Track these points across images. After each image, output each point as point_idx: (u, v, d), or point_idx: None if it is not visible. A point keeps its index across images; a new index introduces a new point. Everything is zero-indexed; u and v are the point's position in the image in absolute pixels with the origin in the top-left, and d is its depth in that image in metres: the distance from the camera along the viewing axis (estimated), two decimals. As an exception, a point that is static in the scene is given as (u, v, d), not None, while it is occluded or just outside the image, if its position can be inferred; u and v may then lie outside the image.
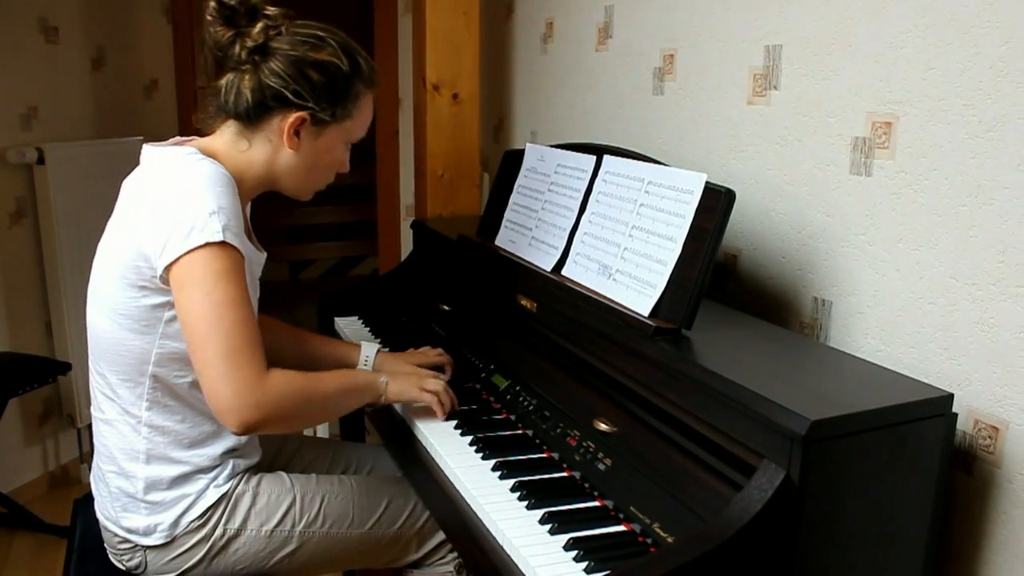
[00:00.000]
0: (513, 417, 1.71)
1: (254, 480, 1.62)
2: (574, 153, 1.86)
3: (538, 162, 1.98)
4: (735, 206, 1.45)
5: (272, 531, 1.60)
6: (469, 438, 1.62)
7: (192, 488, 1.55)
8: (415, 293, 2.36)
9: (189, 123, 3.83)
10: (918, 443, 1.25)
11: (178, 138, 1.57)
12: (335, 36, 1.53)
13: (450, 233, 2.25)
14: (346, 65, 1.52)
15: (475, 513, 1.41)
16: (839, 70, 1.56)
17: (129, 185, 1.54)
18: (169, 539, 1.55)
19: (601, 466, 1.45)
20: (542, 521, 1.34)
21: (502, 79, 2.98)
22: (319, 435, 2.84)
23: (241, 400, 1.37)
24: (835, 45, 1.57)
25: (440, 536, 1.73)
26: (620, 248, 1.62)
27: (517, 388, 1.75)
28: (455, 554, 1.75)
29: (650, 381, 1.42)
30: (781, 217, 1.72)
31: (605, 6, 2.30)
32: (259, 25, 1.48)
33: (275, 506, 1.61)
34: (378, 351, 1.88)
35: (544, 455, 1.57)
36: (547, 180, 1.92)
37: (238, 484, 1.59)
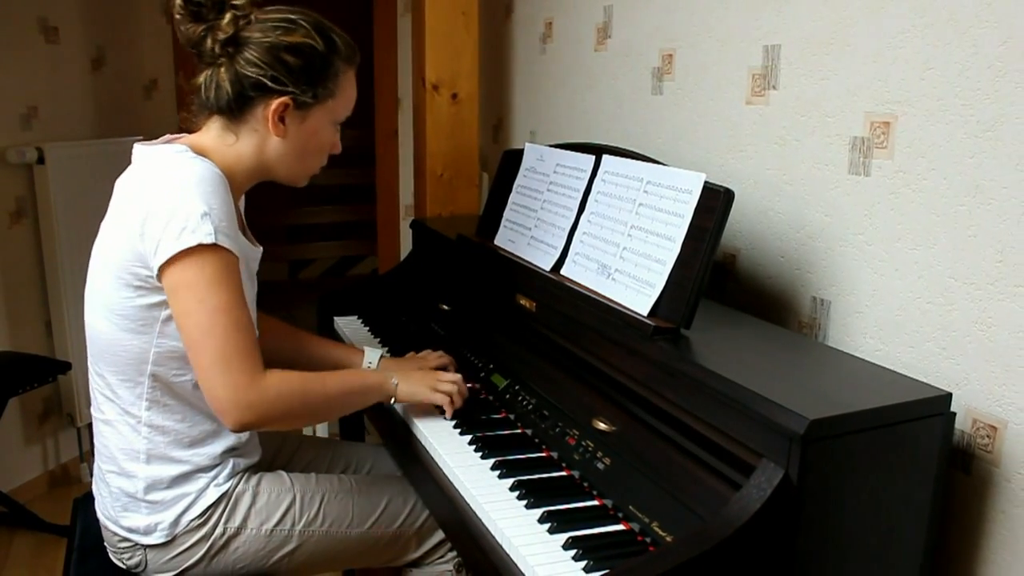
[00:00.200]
0: (512, 416, 1.71)
1: (254, 479, 1.62)
2: (573, 153, 1.86)
3: (537, 162, 1.98)
4: (734, 206, 1.45)
5: (272, 530, 1.60)
6: (468, 437, 1.62)
7: (192, 487, 1.55)
8: (414, 293, 2.36)
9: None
10: (916, 442, 1.25)
11: (168, 136, 1.58)
12: (306, 17, 1.52)
13: (449, 233, 2.25)
14: (321, 44, 1.51)
15: (474, 512, 1.41)
16: (838, 70, 1.56)
17: (122, 184, 1.53)
18: (169, 538, 1.55)
19: (600, 465, 1.46)
20: (541, 520, 1.34)
21: (501, 79, 2.98)
22: (319, 434, 2.84)
23: (236, 402, 1.40)
24: (834, 45, 1.57)
25: (439, 535, 1.74)
26: (619, 248, 1.62)
27: (516, 387, 1.76)
28: (454, 553, 1.75)
29: (649, 380, 1.42)
30: (780, 217, 1.72)
31: (604, 6, 2.30)
32: (228, 16, 1.47)
33: (275, 505, 1.61)
34: (381, 357, 1.89)
35: (543, 454, 1.57)
36: (546, 180, 1.92)
37: (238, 483, 1.59)
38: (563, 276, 1.75)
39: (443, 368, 1.85)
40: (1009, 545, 1.32)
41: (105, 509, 1.60)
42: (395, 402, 1.66)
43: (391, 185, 3.65)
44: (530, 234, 1.91)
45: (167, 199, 1.40)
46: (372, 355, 1.88)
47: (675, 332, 1.44)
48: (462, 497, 1.46)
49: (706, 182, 1.47)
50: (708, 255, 1.43)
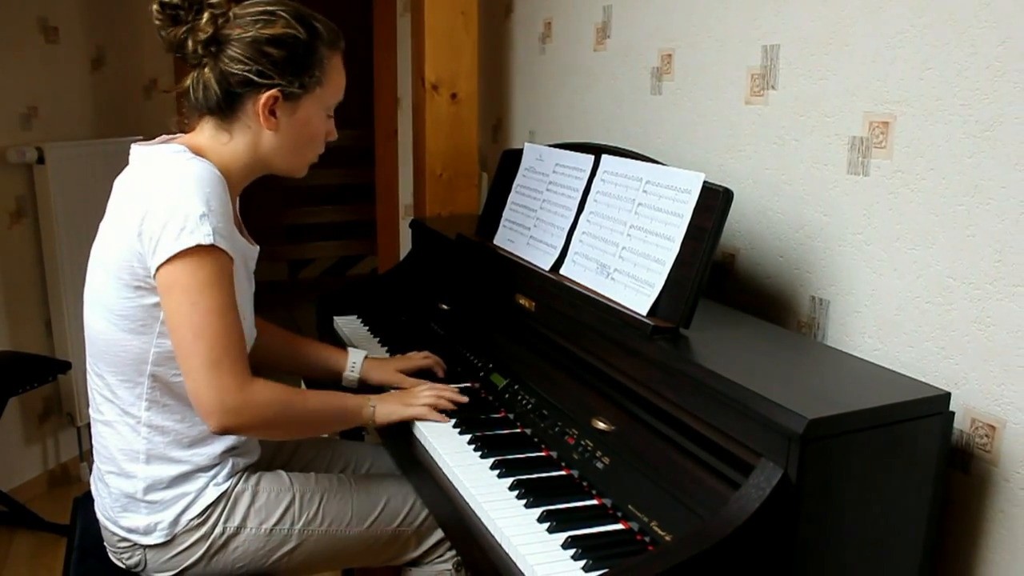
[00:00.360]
0: (511, 416, 1.71)
1: (253, 478, 1.62)
2: (572, 152, 1.86)
3: (536, 161, 1.98)
4: (733, 205, 1.45)
5: (271, 529, 1.60)
6: (467, 437, 1.62)
7: (191, 487, 1.55)
8: (414, 292, 2.36)
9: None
10: (915, 442, 1.25)
11: (164, 136, 1.58)
12: (285, 7, 1.51)
13: (449, 232, 2.25)
14: (303, 33, 1.51)
15: (473, 511, 1.41)
16: (836, 70, 1.57)
17: (120, 185, 1.54)
18: (169, 538, 1.55)
19: (599, 464, 1.46)
20: (540, 519, 1.34)
21: (501, 79, 2.98)
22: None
23: (221, 406, 1.41)
24: (832, 45, 1.57)
25: (439, 534, 1.74)
26: (618, 247, 1.62)
27: (516, 387, 1.76)
28: (454, 552, 1.75)
29: (648, 380, 1.42)
30: (779, 216, 1.73)
31: (603, 6, 2.30)
32: (205, 16, 1.47)
33: (274, 504, 1.61)
34: (365, 357, 1.89)
35: (542, 454, 1.57)
36: (545, 179, 1.92)
37: (237, 482, 1.60)
38: (562, 276, 1.75)
39: (428, 369, 1.86)
40: (1008, 544, 1.32)
41: (104, 509, 1.60)
42: (375, 426, 1.67)
43: (391, 185, 3.66)
44: (529, 234, 1.92)
45: (166, 199, 1.40)
46: (356, 355, 1.89)
47: (674, 332, 1.45)
48: (461, 496, 1.46)
49: (705, 182, 1.47)
50: (707, 255, 1.44)
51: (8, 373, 3.00)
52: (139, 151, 1.53)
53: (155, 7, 1.47)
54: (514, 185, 2.04)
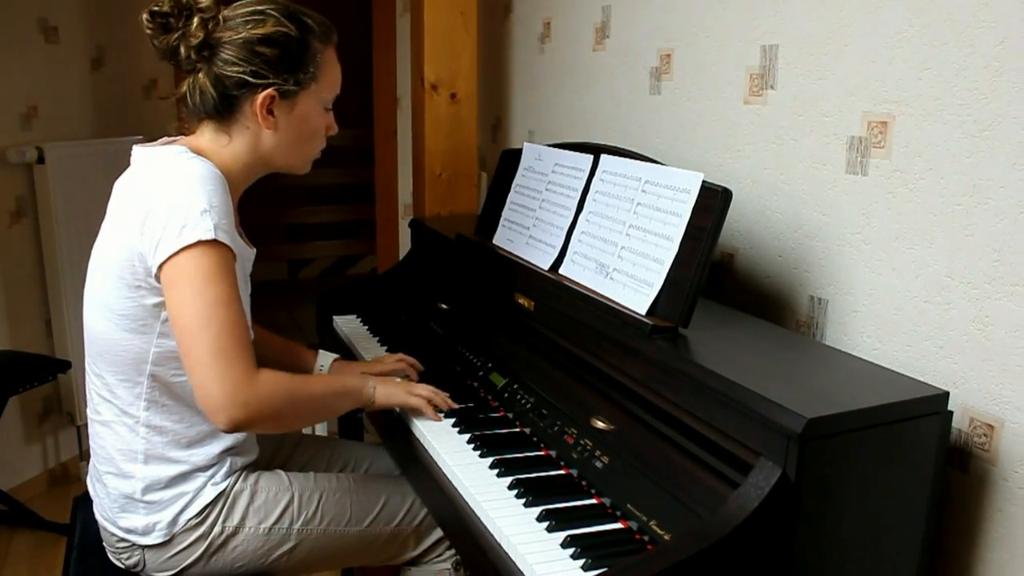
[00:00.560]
0: (511, 415, 1.71)
1: (252, 478, 1.62)
2: (571, 152, 1.86)
3: (536, 161, 1.98)
4: (732, 205, 1.45)
5: (270, 529, 1.60)
6: (467, 436, 1.62)
7: (190, 486, 1.56)
8: (413, 292, 2.36)
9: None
10: (914, 441, 1.25)
11: (165, 138, 1.58)
12: (274, 5, 1.52)
13: (448, 232, 2.26)
14: (294, 30, 1.51)
15: (473, 511, 1.42)
16: (835, 70, 1.57)
17: (121, 186, 1.54)
18: (167, 538, 1.55)
19: (598, 464, 1.46)
20: (539, 519, 1.34)
21: (500, 79, 2.99)
22: (317, 433, 2.84)
23: (230, 399, 1.38)
24: (831, 45, 1.57)
25: (438, 533, 1.74)
26: (617, 247, 1.62)
27: (515, 386, 1.76)
28: (453, 551, 1.75)
29: (647, 379, 1.42)
30: (777, 216, 1.73)
31: (602, 6, 2.30)
32: (195, 21, 1.47)
33: (273, 504, 1.61)
34: (334, 360, 1.89)
35: (541, 453, 1.57)
36: (545, 179, 1.92)
37: (236, 482, 1.60)
38: (561, 275, 1.75)
39: (401, 372, 1.86)
40: (1006, 543, 1.32)
41: (103, 510, 1.61)
42: (373, 406, 1.65)
43: (390, 184, 3.66)
44: (529, 233, 1.92)
45: (167, 197, 1.40)
46: (324, 359, 1.89)
47: (673, 331, 1.45)
48: (460, 496, 1.46)
49: (704, 181, 1.48)
50: (706, 254, 1.44)
51: (8, 372, 3.00)
52: (141, 152, 1.53)
53: (145, 17, 1.48)
54: (513, 185, 2.05)
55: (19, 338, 3.33)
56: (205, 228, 1.38)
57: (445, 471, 1.54)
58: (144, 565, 1.58)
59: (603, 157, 1.75)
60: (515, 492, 1.43)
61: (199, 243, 1.38)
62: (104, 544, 1.64)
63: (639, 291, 1.52)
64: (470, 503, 1.43)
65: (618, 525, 1.34)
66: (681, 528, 1.24)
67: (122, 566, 1.61)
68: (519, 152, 2.06)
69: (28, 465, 3.46)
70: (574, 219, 1.78)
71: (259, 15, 1.49)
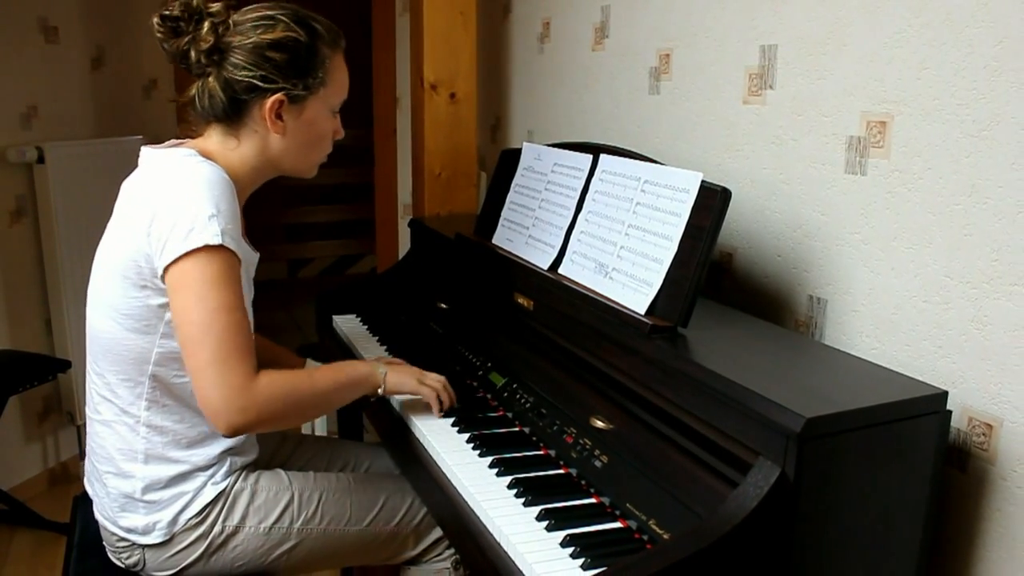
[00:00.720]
0: (510, 414, 1.71)
1: (252, 477, 1.62)
2: (571, 152, 1.87)
3: (535, 161, 1.99)
4: (731, 205, 1.46)
5: (270, 528, 1.60)
6: (466, 435, 1.62)
7: (190, 486, 1.56)
8: (413, 291, 2.36)
9: (184, 123, 3.83)
10: (912, 440, 1.25)
11: (174, 140, 1.58)
12: (283, 10, 1.52)
13: (448, 232, 2.26)
14: (303, 35, 1.52)
15: (472, 510, 1.42)
16: (834, 69, 1.57)
17: (128, 186, 1.54)
18: (167, 537, 1.55)
19: (598, 463, 1.46)
20: (539, 518, 1.34)
21: (499, 78, 2.99)
22: (317, 433, 2.84)
23: (229, 405, 1.38)
24: (830, 45, 1.57)
25: (437, 533, 1.74)
26: (616, 247, 1.62)
27: (514, 386, 1.76)
28: (452, 551, 1.75)
29: (646, 379, 1.42)
30: (776, 216, 1.73)
31: (601, 6, 2.31)
32: (206, 26, 1.48)
33: (273, 503, 1.61)
34: None
35: (541, 452, 1.58)
36: (544, 179, 1.93)
37: (236, 481, 1.60)
38: (561, 275, 1.75)
39: None
40: (1005, 543, 1.32)
41: (103, 509, 1.61)
42: (383, 392, 1.65)
43: (390, 184, 3.66)
44: (528, 233, 1.92)
45: (175, 200, 1.41)
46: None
47: (672, 331, 1.45)
48: (460, 495, 1.47)
49: (703, 181, 1.48)
50: (705, 254, 1.44)
51: (8, 372, 3.00)
52: (149, 153, 1.54)
53: (155, 20, 1.49)
54: (513, 184, 2.05)
55: (19, 338, 3.33)
56: (212, 233, 1.38)
57: (444, 470, 1.54)
58: (144, 564, 1.58)
59: (602, 157, 1.76)
60: (514, 491, 1.43)
61: (206, 247, 1.38)
62: (104, 543, 1.64)
63: (638, 291, 1.52)
64: (469, 502, 1.43)
65: (617, 524, 1.34)
66: (680, 527, 1.24)
67: (122, 565, 1.61)
68: (518, 152, 2.06)
69: (28, 464, 3.47)
70: (573, 219, 1.78)
71: (269, 20, 1.50)
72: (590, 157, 1.79)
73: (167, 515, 1.55)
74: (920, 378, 1.35)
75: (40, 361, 3.15)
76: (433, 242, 2.40)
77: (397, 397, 1.73)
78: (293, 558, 1.64)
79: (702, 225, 1.45)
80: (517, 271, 1.86)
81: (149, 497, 1.55)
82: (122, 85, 3.88)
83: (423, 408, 1.71)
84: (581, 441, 1.52)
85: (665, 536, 1.26)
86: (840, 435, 1.17)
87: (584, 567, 1.22)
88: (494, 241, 2.04)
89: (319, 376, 1.57)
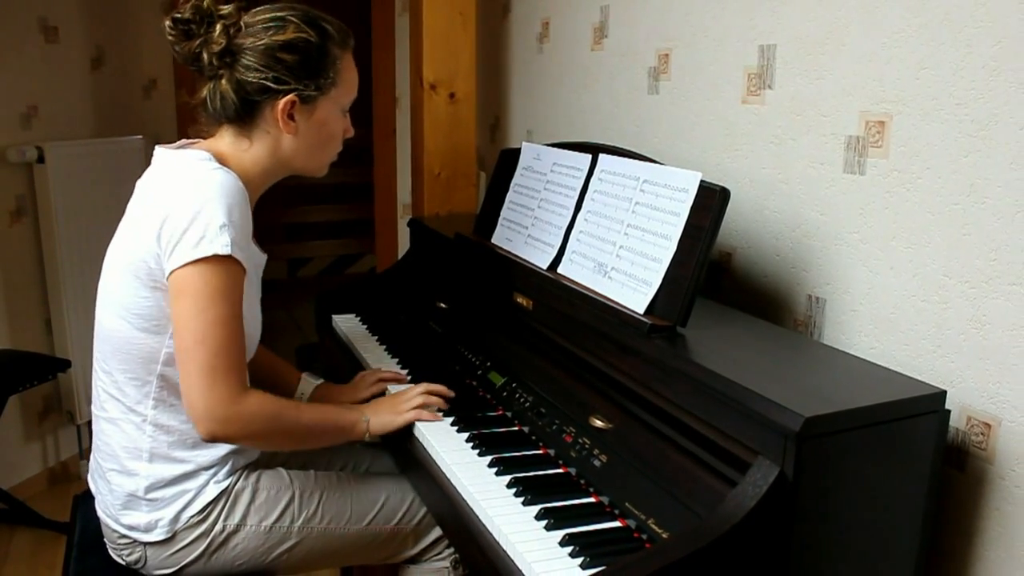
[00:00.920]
0: (509, 414, 1.71)
1: (253, 476, 1.63)
2: (570, 152, 1.87)
3: (534, 161, 1.99)
4: (730, 204, 1.46)
5: (271, 527, 1.61)
6: (466, 435, 1.63)
7: (192, 484, 1.56)
8: (412, 291, 2.36)
9: (188, 123, 3.82)
10: (911, 440, 1.25)
11: (184, 140, 1.59)
12: (294, 11, 1.53)
13: (447, 231, 2.26)
14: (314, 36, 1.52)
15: (471, 509, 1.42)
16: (833, 69, 1.57)
17: (142, 186, 1.56)
18: (169, 535, 1.55)
19: (597, 462, 1.46)
20: (538, 517, 1.35)
21: (498, 78, 2.99)
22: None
23: (211, 413, 1.42)
24: (829, 45, 1.57)
25: (437, 532, 1.74)
26: (615, 246, 1.62)
27: (513, 385, 1.76)
28: (452, 550, 1.76)
29: (645, 378, 1.43)
30: (775, 215, 1.73)
31: (601, 6, 2.31)
32: (218, 28, 1.49)
33: (274, 502, 1.62)
34: (317, 386, 1.89)
35: (540, 451, 1.58)
36: (543, 178, 1.93)
37: (238, 480, 1.60)
38: (560, 274, 1.75)
39: (381, 393, 1.85)
40: (1003, 542, 1.33)
41: (105, 507, 1.61)
42: (369, 439, 1.67)
43: (389, 184, 3.66)
44: (527, 232, 1.92)
45: (189, 205, 1.42)
46: (306, 386, 1.89)
47: (671, 330, 1.45)
48: (459, 494, 1.47)
49: (702, 181, 1.48)
50: (704, 253, 1.44)
51: (8, 371, 3.00)
52: (163, 154, 1.55)
53: (167, 23, 1.50)
54: (512, 184, 2.05)
55: (19, 337, 3.33)
56: (222, 243, 1.39)
57: (444, 470, 1.54)
58: (145, 562, 1.58)
59: (601, 156, 1.76)
60: (513, 491, 1.43)
61: (214, 257, 1.39)
62: (105, 540, 1.64)
63: (637, 290, 1.53)
64: (468, 502, 1.44)
65: (616, 523, 1.34)
66: (679, 526, 1.24)
67: (123, 562, 1.61)
68: (518, 151, 2.07)
69: (28, 464, 3.47)
70: (572, 218, 1.78)
71: (280, 21, 1.51)
72: (589, 157, 1.79)
73: (169, 513, 1.55)
74: (919, 377, 1.35)
75: (40, 361, 3.15)
76: (432, 242, 2.40)
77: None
78: (293, 557, 1.64)
79: (701, 225, 1.46)
80: (516, 271, 1.86)
81: (152, 495, 1.55)
82: (122, 85, 3.88)
83: (422, 407, 1.72)
84: (580, 440, 1.52)
85: (664, 535, 1.26)
86: (839, 434, 1.18)
87: (583, 566, 1.22)
88: (493, 241, 2.04)
89: (306, 410, 1.61)
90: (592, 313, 1.58)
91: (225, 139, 1.56)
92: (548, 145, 1.97)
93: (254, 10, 1.53)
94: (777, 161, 1.72)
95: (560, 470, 1.51)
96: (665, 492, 1.32)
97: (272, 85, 1.50)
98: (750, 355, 1.42)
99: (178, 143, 1.58)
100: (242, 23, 1.51)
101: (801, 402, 1.16)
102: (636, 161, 1.66)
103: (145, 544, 1.57)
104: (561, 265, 1.77)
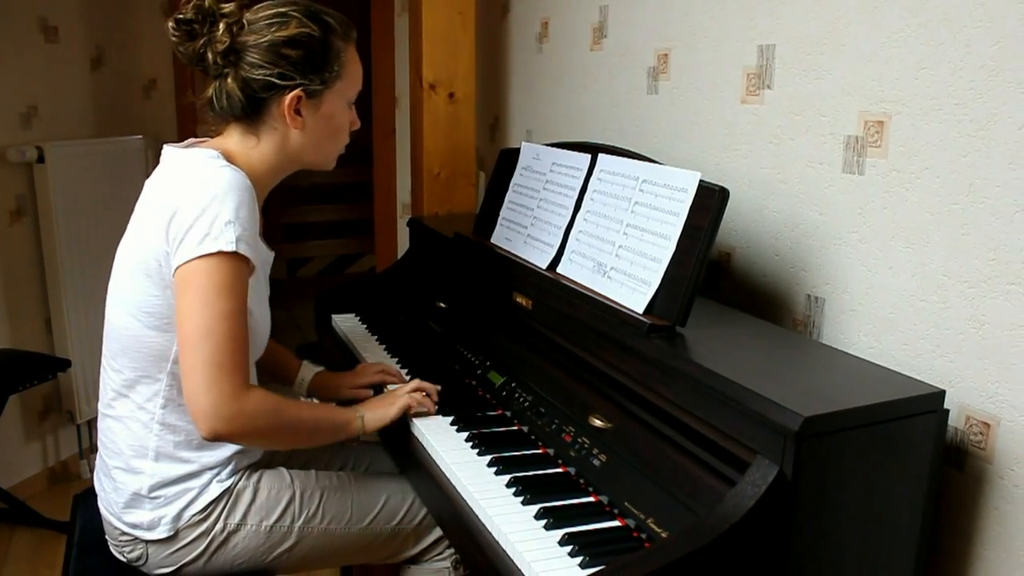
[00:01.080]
0: (509, 413, 1.72)
1: (255, 476, 1.63)
2: (569, 152, 1.87)
3: (533, 160, 1.99)
4: (729, 204, 1.46)
5: (272, 526, 1.61)
6: (465, 434, 1.63)
7: (195, 483, 1.56)
8: (412, 290, 2.37)
9: (188, 122, 3.83)
10: (910, 439, 1.26)
11: (192, 140, 1.59)
12: (296, 6, 1.54)
13: (446, 231, 2.26)
14: (317, 30, 1.53)
15: (471, 509, 1.42)
16: (832, 69, 1.57)
17: (151, 185, 1.56)
18: (172, 533, 1.56)
19: (596, 462, 1.46)
20: (537, 516, 1.35)
21: (498, 78, 2.99)
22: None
23: (214, 411, 1.41)
24: (828, 45, 1.58)
25: (437, 532, 1.74)
26: (615, 246, 1.63)
27: (513, 385, 1.76)
28: (452, 550, 1.76)
29: (645, 378, 1.43)
30: (774, 215, 1.73)
31: (600, 6, 2.31)
32: (221, 27, 1.49)
33: (275, 502, 1.62)
34: (316, 373, 1.91)
35: (539, 451, 1.58)
36: (543, 178, 1.93)
37: (239, 479, 1.60)
38: (559, 274, 1.75)
39: (382, 383, 1.87)
40: (1002, 541, 1.33)
41: (108, 504, 1.61)
42: (364, 436, 1.68)
43: (389, 184, 3.66)
44: (527, 232, 1.92)
45: (196, 202, 1.42)
46: (306, 372, 1.92)
47: (670, 330, 1.45)
48: (459, 494, 1.47)
49: (701, 181, 1.48)
50: (703, 253, 1.44)
51: (8, 371, 3.01)
52: (171, 153, 1.55)
53: (171, 24, 1.50)
54: (511, 184, 2.05)
55: (19, 337, 3.33)
56: (228, 240, 1.40)
57: (443, 469, 1.54)
58: (147, 559, 1.58)
59: (601, 156, 1.76)
60: (513, 490, 1.43)
61: (219, 253, 1.39)
62: (107, 537, 1.65)
63: (637, 290, 1.53)
64: (468, 501, 1.44)
65: (615, 523, 1.34)
66: (678, 526, 1.25)
67: (124, 559, 1.61)
68: (517, 151, 2.07)
69: (28, 463, 3.47)
70: (572, 218, 1.79)
71: (282, 17, 1.51)
72: (588, 156, 1.79)
73: (172, 511, 1.55)
74: (918, 377, 1.35)
75: (40, 360, 3.15)
76: (432, 241, 2.40)
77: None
78: (293, 556, 1.64)
79: (700, 224, 1.46)
80: (516, 270, 1.86)
81: (156, 494, 1.55)
82: (122, 85, 3.88)
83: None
84: (579, 440, 1.52)
85: (663, 535, 1.26)
86: (838, 434, 1.18)
87: (582, 565, 1.23)
88: (493, 240, 2.05)
89: (306, 407, 1.62)
90: (591, 313, 1.59)
91: (233, 137, 1.57)
92: (547, 145, 1.97)
93: (256, 7, 1.54)
94: (776, 161, 1.72)
95: (559, 469, 1.51)
96: (664, 491, 1.32)
97: (277, 81, 1.50)
98: (749, 355, 1.42)
99: (187, 142, 1.59)
100: (245, 21, 1.51)
101: (800, 402, 1.16)
102: (635, 161, 1.66)
103: (147, 542, 1.57)
104: (560, 265, 1.77)
